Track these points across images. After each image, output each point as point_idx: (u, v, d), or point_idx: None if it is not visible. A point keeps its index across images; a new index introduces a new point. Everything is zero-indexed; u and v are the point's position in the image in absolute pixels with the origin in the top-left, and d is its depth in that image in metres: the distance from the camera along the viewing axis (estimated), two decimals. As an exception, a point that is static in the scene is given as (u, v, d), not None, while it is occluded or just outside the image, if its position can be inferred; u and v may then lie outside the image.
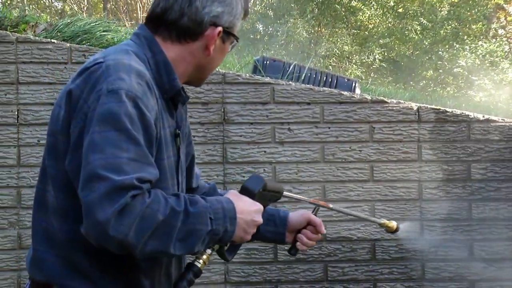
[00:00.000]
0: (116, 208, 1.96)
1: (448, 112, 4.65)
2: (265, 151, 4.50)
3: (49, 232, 2.26)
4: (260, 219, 2.33)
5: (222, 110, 4.49)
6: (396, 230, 2.82)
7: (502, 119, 4.71)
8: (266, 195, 2.42)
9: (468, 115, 4.66)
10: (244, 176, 4.46)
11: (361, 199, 4.54)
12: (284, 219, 2.75)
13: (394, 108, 4.61)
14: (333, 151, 4.55)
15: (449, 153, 4.60)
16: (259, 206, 2.34)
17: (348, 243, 4.50)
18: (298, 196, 2.83)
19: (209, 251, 2.30)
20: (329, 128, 4.55)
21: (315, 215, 2.75)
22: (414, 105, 4.65)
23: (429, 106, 4.68)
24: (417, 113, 4.61)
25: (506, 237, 4.59)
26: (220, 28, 2.36)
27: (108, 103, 2.07)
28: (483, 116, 4.69)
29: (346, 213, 2.86)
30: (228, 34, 2.42)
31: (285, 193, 2.62)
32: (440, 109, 4.67)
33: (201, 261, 2.29)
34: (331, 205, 2.81)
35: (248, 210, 2.29)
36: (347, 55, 15.85)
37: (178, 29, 2.35)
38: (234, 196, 2.31)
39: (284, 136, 4.52)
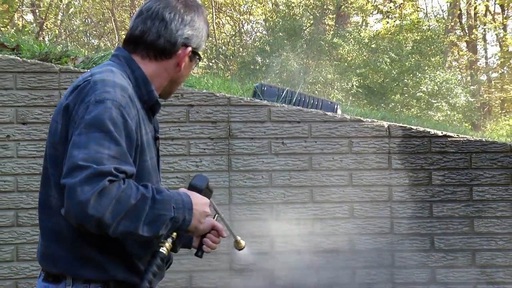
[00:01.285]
0: (96, 190, 1.92)
1: (413, 129, 4.65)
2: (263, 161, 4.49)
3: (56, 230, 2.22)
4: (209, 211, 2.31)
5: (228, 127, 4.48)
6: (242, 249, 2.73)
7: (457, 135, 4.71)
8: (207, 192, 2.37)
9: (429, 131, 4.66)
10: (245, 183, 4.45)
11: (342, 201, 4.53)
12: None
13: (369, 126, 4.60)
14: (319, 161, 4.53)
15: (414, 162, 4.59)
16: (207, 200, 2.31)
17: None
18: (213, 201, 2.72)
19: (170, 239, 2.25)
20: (315, 142, 4.54)
21: (216, 220, 2.62)
22: (385, 123, 4.64)
23: (397, 124, 4.67)
24: (387, 130, 4.60)
25: (461, 232, 4.57)
26: (190, 48, 2.35)
27: (95, 110, 2.04)
28: (442, 133, 4.69)
29: (224, 223, 2.74)
30: (194, 54, 2.39)
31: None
32: (406, 126, 4.66)
33: (164, 248, 2.24)
34: (222, 215, 2.66)
35: (200, 203, 2.25)
36: (330, 82, 15.83)
37: (155, 48, 2.32)
38: (187, 191, 2.27)
39: (279, 149, 4.51)
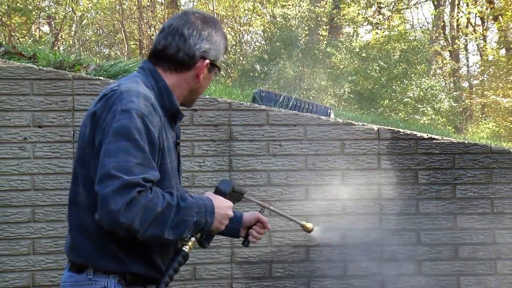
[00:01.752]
0: (126, 201, 2.00)
1: (401, 132, 4.64)
2: (261, 162, 4.48)
3: (82, 224, 2.27)
4: (231, 213, 2.37)
5: (229, 130, 4.47)
6: (311, 230, 2.81)
7: (441, 138, 4.71)
8: (233, 195, 2.45)
9: (416, 134, 4.65)
10: (245, 182, 4.45)
11: (335, 199, 4.52)
12: (239, 218, 2.75)
13: (360, 129, 4.60)
14: (313, 162, 4.53)
15: (401, 163, 4.58)
16: (230, 203, 2.38)
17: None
18: (253, 199, 2.80)
19: (193, 239, 2.34)
20: (310, 144, 4.53)
21: (262, 214, 2.75)
22: (375, 127, 4.64)
23: (386, 128, 4.67)
24: (377, 133, 4.60)
25: (445, 227, 4.57)
26: (207, 61, 2.39)
27: (122, 120, 2.11)
28: (427, 135, 4.68)
29: (279, 214, 2.84)
30: (213, 65, 2.43)
31: (245, 195, 2.64)
32: (394, 129, 4.66)
33: (187, 247, 2.33)
34: (271, 207, 2.79)
35: (223, 206, 2.32)
36: (324, 89, 15.83)
37: (176, 61, 2.37)
38: (211, 195, 2.34)
39: (276, 150, 4.50)
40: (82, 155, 2.26)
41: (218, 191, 2.40)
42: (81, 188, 2.26)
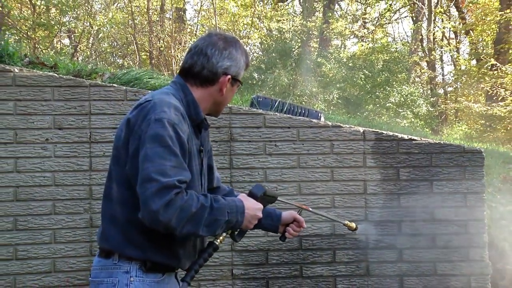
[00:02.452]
0: (164, 202, 2.07)
1: (384, 133, 4.63)
2: (259, 160, 4.47)
3: (113, 216, 2.33)
4: (260, 215, 2.44)
5: (229, 132, 4.46)
6: (356, 229, 2.88)
7: (420, 139, 4.70)
8: (265, 198, 2.50)
9: (397, 135, 4.64)
10: (244, 178, 4.44)
11: (324, 193, 4.51)
12: (279, 216, 2.78)
13: (347, 131, 4.58)
14: (305, 160, 4.51)
15: (384, 161, 4.57)
16: (260, 206, 2.45)
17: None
18: (289, 201, 2.85)
19: (224, 234, 2.42)
20: (303, 144, 4.52)
21: (299, 214, 2.80)
22: (361, 129, 4.63)
23: (370, 130, 4.66)
24: (362, 134, 4.59)
25: (423, 219, 4.56)
26: (229, 76, 2.44)
27: (156, 128, 2.17)
28: (407, 137, 4.68)
29: (320, 215, 2.90)
30: (235, 80, 2.49)
31: (279, 198, 2.67)
32: (378, 131, 4.65)
33: (218, 240, 2.41)
34: (310, 209, 2.85)
35: (253, 208, 2.40)
36: (315, 95, 15.80)
37: (201, 78, 2.42)
38: (243, 197, 2.43)
39: (272, 150, 4.49)
40: (117, 155, 2.33)
41: (250, 194, 2.46)
42: (114, 184, 2.32)
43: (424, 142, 4.65)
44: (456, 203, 4.59)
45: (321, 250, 4.48)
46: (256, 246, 4.39)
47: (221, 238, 2.41)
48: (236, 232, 2.48)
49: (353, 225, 2.86)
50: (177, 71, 2.59)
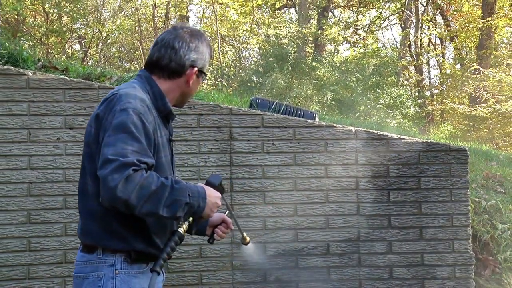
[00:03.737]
0: (122, 177, 1.96)
1: (375, 133, 4.62)
2: (257, 158, 4.45)
3: (91, 210, 2.23)
4: (220, 203, 2.31)
5: (230, 131, 4.45)
6: (247, 243, 2.72)
7: (408, 138, 4.69)
8: (220, 189, 2.36)
9: (387, 135, 4.63)
10: (244, 175, 4.42)
11: (319, 189, 4.50)
12: None
13: (340, 130, 4.57)
14: (301, 158, 4.50)
15: (375, 159, 4.56)
16: (219, 194, 2.32)
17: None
18: (225, 200, 2.57)
19: (187, 223, 2.26)
20: (298, 143, 4.51)
21: (226, 215, 2.64)
22: (353, 129, 4.61)
23: (362, 129, 4.65)
24: (355, 134, 4.57)
25: (411, 213, 4.55)
26: (196, 69, 2.38)
27: (120, 117, 2.09)
28: (397, 136, 4.66)
29: (235, 221, 2.72)
30: (201, 72, 2.42)
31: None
32: (369, 131, 4.63)
33: (182, 228, 2.25)
34: (232, 212, 2.69)
35: (213, 195, 2.26)
36: (310, 97, 15.77)
37: (168, 70, 2.36)
38: (203, 185, 2.29)
39: (270, 149, 4.47)
40: (89, 151, 2.24)
41: (208, 183, 2.34)
42: (89, 179, 2.22)
43: (412, 141, 4.64)
44: (442, 198, 4.58)
45: (315, 242, 4.47)
46: (254, 238, 4.37)
47: (184, 226, 2.24)
48: (193, 222, 2.31)
49: (248, 239, 2.70)
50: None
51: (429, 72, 26.15)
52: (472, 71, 17.60)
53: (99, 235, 2.22)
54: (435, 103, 21.82)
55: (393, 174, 4.57)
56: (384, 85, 16.87)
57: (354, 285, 4.48)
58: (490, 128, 16.60)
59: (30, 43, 15.25)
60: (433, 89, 23.94)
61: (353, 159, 4.55)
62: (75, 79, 4.35)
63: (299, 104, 14.46)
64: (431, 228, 4.56)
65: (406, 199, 4.56)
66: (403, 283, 4.52)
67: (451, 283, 4.54)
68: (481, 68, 16.78)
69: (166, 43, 2.36)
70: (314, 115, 5.01)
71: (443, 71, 23.39)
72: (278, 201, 4.46)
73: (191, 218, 2.25)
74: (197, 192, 2.18)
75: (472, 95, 17.72)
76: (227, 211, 2.66)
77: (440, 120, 21.34)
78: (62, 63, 5.31)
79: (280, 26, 21.07)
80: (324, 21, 19.14)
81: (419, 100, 20.01)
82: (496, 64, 17.87)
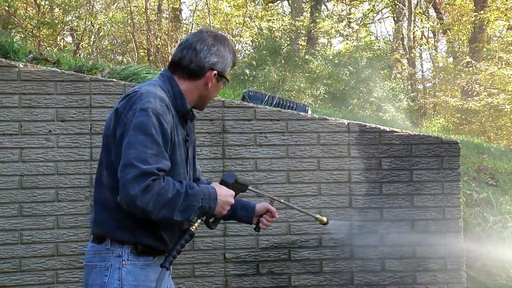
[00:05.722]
0: (142, 187, 2.06)
1: (367, 126, 4.62)
2: (250, 151, 4.45)
3: (104, 201, 2.30)
4: (232, 201, 2.40)
5: (222, 124, 4.44)
6: (326, 223, 2.83)
7: (401, 130, 4.70)
8: (236, 185, 2.46)
9: (380, 127, 4.64)
10: (236, 167, 4.42)
11: (311, 182, 4.50)
12: (253, 208, 2.75)
13: (333, 123, 4.57)
14: (293, 151, 4.50)
15: (367, 152, 4.57)
16: (232, 192, 2.40)
17: (303, 210, 4.45)
18: (262, 192, 2.83)
19: (199, 221, 2.36)
20: (291, 136, 4.51)
21: (272, 205, 2.76)
22: (345, 121, 4.62)
23: (355, 122, 4.65)
24: (347, 127, 4.58)
25: (404, 205, 4.57)
26: (215, 72, 2.42)
27: (140, 117, 2.16)
28: (389, 129, 4.67)
29: (291, 207, 2.85)
30: (221, 76, 2.46)
31: (253, 188, 2.67)
32: (362, 124, 4.64)
33: (193, 227, 2.35)
34: (282, 200, 2.82)
35: (225, 194, 2.35)
36: (303, 90, 15.76)
37: (188, 71, 2.41)
38: (216, 185, 2.38)
39: (262, 141, 4.47)
40: (106, 143, 2.32)
41: (222, 182, 2.42)
42: (105, 171, 2.30)
43: (404, 134, 4.65)
44: (434, 190, 4.60)
45: (308, 234, 4.48)
46: (247, 231, 4.38)
47: (196, 225, 2.36)
48: (211, 220, 2.44)
49: (324, 219, 2.82)
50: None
51: (421, 65, 26.24)
52: (465, 65, 17.64)
53: (109, 225, 2.29)
54: (427, 96, 21.88)
55: (386, 167, 4.58)
56: (377, 78, 16.87)
57: (346, 277, 4.50)
58: (482, 121, 16.66)
59: (22, 35, 15.14)
60: (425, 82, 24.01)
61: (345, 152, 4.55)
62: (66, 72, 4.33)
63: (292, 97, 14.45)
64: (423, 220, 4.58)
65: (398, 191, 4.58)
66: (395, 275, 4.54)
67: (442, 275, 4.57)
68: (473, 62, 16.82)
69: (189, 45, 2.42)
70: (306, 108, 5.01)
71: (435, 64, 23.43)
72: (270, 194, 4.45)
73: (204, 217, 2.36)
74: (208, 194, 2.27)
75: (465, 88, 17.79)
76: (272, 201, 2.78)
77: (433, 113, 21.40)
78: (54, 56, 5.28)
79: (273, 19, 21.02)
80: (317, 14, 19.11)
81: (412, 94, 20.05)
82: (489, 57, 17.91)
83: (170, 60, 2.50)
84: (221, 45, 2.45)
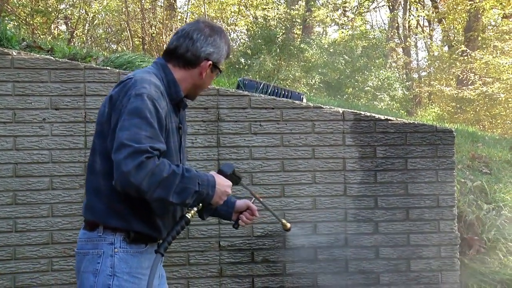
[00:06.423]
0: (135, 164, 2.03)
1: (362, 114, 4.62)
2: (244, 139, 4.45)
3: (97, 188, 2.29)
4: (229, 191, 2.38)
5: (217, 112, 4.43)
6: (289, 230, 2.79)
7: (395, 119, 4.70)
8: (233, 177, 2.43)
9: (374, 116, 4.64)
10: (231, 156, 4.41)
11: (306, 170, 4.51)
12: (233, 203, 2.74)
13: (327, 111, 4.57)
14: (288, 139, 4.50)
15: (362, 140, 4.57)
16: (229, 183, 2.38)
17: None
18: (247, 187, 2.76)
19: (195, 208, 2.32)
20: (286, 124, 4.50)
21: (252, 203, 2.73)
22: (340, 110, 4.61)
23: (349, 110, 4.65)
24: (342, 115, 4.57)
25: (398, 194, 4.58)
26: (210, 62, 2.43)
27: (135, 102, 2.15)
28: (384, 117, 4.67)
29: (267, 209, 2.79)
30: (215, 67, 2.47)
31: (243, 184, 2.63)
32: (356, 112, 4.64)
33: (190, 214, 2.32)
34: (261, 199, 2.76)
35: (223, 184, 2.33)
36: (298, 79, 15.74)
37: (184, 59, 2.41)
38: (214, 174, 2.35)
39: (257, 130, 4.47)
40: (101, 129, 2.30)
41: (220, 172, 2.39)
42: (98, 157, 2.29)
43: (399, 122, 4.65)
44: (428, 178, 4.61)
45: (302, 222, 4.49)
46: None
47: (192, 212, 2.32)
48: (203, 209, 2.41)
49: (288, 225, 2.78)
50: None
51: (417, 54, 26.26)
52: (460, 53, 17.64)
53: (101, 212, 2.28)
54: (422, 85, 21.88)
55: (380, 155, 4.59)
56: (372, 67, 16.85)
57: (341, 265, 4.52)
58: (477, 110, 16.69)
59: (15, 23, 15.05)
60: (420, 71, 24.01)
61: (340, 140, 4.55)
62: (60, 59, 4.31)
63: (287, 86, 14.41)
64: (417, 208, 4.59)
65: (393, 180, 4.59)
66: (389, 263, 4.56)
67: (436, 263, 4.59)
68: (468, 50, 16.82)
69: (185, 33, 2.43)
70: (301, 96, 5.01)
71: (430, 53, 23.44)
72: (265, 182, 4.46)
73: (200, 205, 2.32)
74: (207, 180, 2.24)
75: (460, 77, 17.78)
76: (253, 199, 2.72)
77: (428, 102, 21.43)
78: (48, 43, 5.25)
79: (268, 8, 20.94)
80: (312, 3, 19.03)
81: (407, 83, 20.05)
82: (484, 46, 17.92)
83: (165, 48, 2.49)
84: (218, 36, 2.46)
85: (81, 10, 18.46)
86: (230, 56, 2.68)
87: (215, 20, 22.12)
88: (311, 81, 15.71)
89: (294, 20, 19.04)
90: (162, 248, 2.26)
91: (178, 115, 2.47)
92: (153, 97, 2.19)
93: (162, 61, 2.44)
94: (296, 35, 19.71)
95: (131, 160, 2.03)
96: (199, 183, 2.20)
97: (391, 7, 23.79)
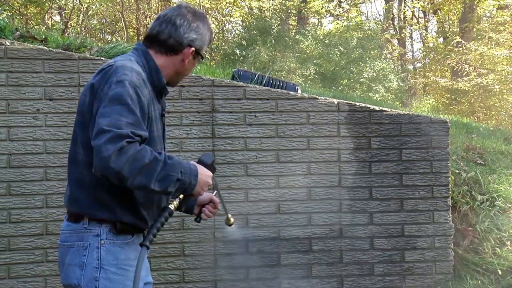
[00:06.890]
0: (116, 148, 1.96)
1: (357, 105, 4.62)
2: (239, 130, 4.44)
3: (81, 179, 2.23)
4: (211, 182, 2.31)
5: (212, 103, 4.42)
6: (231, 225, 2.71)
7: (391, 110, 4.71)
8: (211, 167, 2.36)
9: (369, 107, 4.64)
10: (226, 147, 4.41)
11: (301, 161, 4.51)
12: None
13: (322, 102, 4.57)
14: (283, 130, 4.49)
15: (357, 131, 4.57)
16: (210, 173, 2.32)
17: (292, 189, 4.45)
18: (214, 178, 2.63)
19: (177, 199, 2.26)
20: (281, 115, 4.50)
21: (215, 196, 2.62)
22: (335, 101, 4.61)
23: (344, 101, 4.65)
24: (337, 106, 4.57)
25: (392, 184, 4.59)
26: (193, 49, 2.37)
27: (116, 88, 2.09)
28: (379, 108, 4.67)
29: (220, 199, 2.69)
30: (197, 53, 2.41)
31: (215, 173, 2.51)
32: (351, 103, 4.64)
33: (172, 205, 2.26)
34: (220, 192, 2.64)
35: (205, 174, 2.26)
36: (293, 70, 15.71)
37: (166, 46, 2.35)
38: (195, 163, 2.28)
39: (252, 120, 4.46)
40: (82, 119, 2.24)
41: (200, 162, 2.32)
42: (80, 148, 2.23)
43: (394, 113, 4.65)
44: (423, 169, 4.62)
45: (297, 214, 4.50)
46: (237, 210, 4.39)
47: (175, 203, 2.25)
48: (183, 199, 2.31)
49: (232, 220, 2.69)
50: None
51: (412, 45, 26.24)
52: (455, 45, 17.65)
53: (86, 204, 2.22)
54: (417, 76, 21.90)
55: (375, 146, 4.59)
56: (367, 59, 16.84)
57: (336, 256, 4.53)
58: (472, 101, 16.72)
59: (8, 13, 14.96)
60: (416, 63, 24.01)
61: (335, 131, 4.56)
62: (54, 50, 4.28)
63: (282, 77, 14.39)
64: (412, 199, 4.60)
65: (387, 171, 4.60)
66: (384, 253, 4.57)
67: (430, 253, 4.61)
68: (463, 42, 16.82)
69: (168, 19, 2.35)
70: (296, 87, 5.00)
71: (426, 44, 23.44)
72: (260, 173, 4.46)
73: (181, 196, 2.26)
74: (189, 169, 2.17)
75: (454, 69, 17.80)
76: (215, 191, 2.64)
77: (423, 93, 21.44)
78: (41, 34, 5.22)
79: (263, -1, 20.88)
80: (307, -6, 19.00)
81: (402, 74, 20.04)
82: (479, 37, 17.91)
83: (146, 33, 2.42)
84: (201, 22, 2.39)
85: (75, 1, 18.38)
86: (212, 43, 2.63)
87: (209, 11, 22.07)
88: (306, 72, 15.69)
89: (289, 11, 19.01)
90: (147, 240, 2.18)
91: (161, 101, 2.42)
92: (135, 84, 2.13)
93: (143, 47, 2.37)
94: (291, 26, 19.68)
95: (112, 145, 1.96)
96: (181, 171, 2.13)
97: (386, -2, 23.76)
